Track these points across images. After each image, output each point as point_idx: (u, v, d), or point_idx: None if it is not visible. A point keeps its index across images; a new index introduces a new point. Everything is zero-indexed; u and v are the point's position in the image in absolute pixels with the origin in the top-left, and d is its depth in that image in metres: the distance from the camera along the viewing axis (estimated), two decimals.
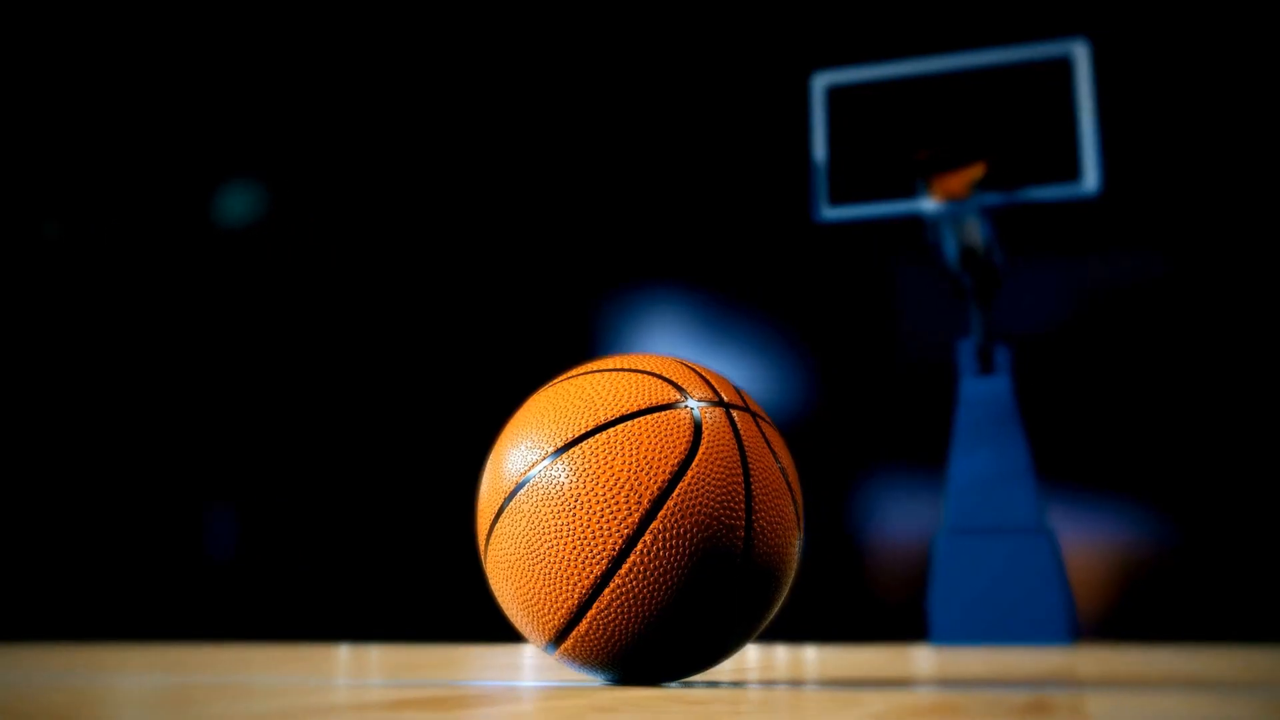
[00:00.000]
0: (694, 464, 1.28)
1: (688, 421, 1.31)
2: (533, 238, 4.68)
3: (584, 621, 1.28)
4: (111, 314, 5.21)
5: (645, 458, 1.27)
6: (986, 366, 3.55)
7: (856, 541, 4.34)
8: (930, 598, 3.65)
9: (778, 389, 4.40)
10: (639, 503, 1.26)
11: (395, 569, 4.65)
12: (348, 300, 4.91)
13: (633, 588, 1.25)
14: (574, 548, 1.26)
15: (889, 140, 3.60)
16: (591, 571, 1.25)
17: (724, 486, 1.28)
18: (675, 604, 1.26)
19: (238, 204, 5.08)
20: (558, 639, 1.31)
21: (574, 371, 1.43)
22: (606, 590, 1.25)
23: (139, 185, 5.28)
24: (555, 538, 1.27)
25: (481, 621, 4.30)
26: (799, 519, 1.37)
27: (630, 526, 1.25)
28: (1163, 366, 3.86)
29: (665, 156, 4.56)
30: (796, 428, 4.22)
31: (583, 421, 1.31)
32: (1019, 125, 3.50)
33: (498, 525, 1.33)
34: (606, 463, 1.27)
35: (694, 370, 1.39)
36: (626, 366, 1.39)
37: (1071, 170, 3.38)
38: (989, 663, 2.19)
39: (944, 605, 3.61)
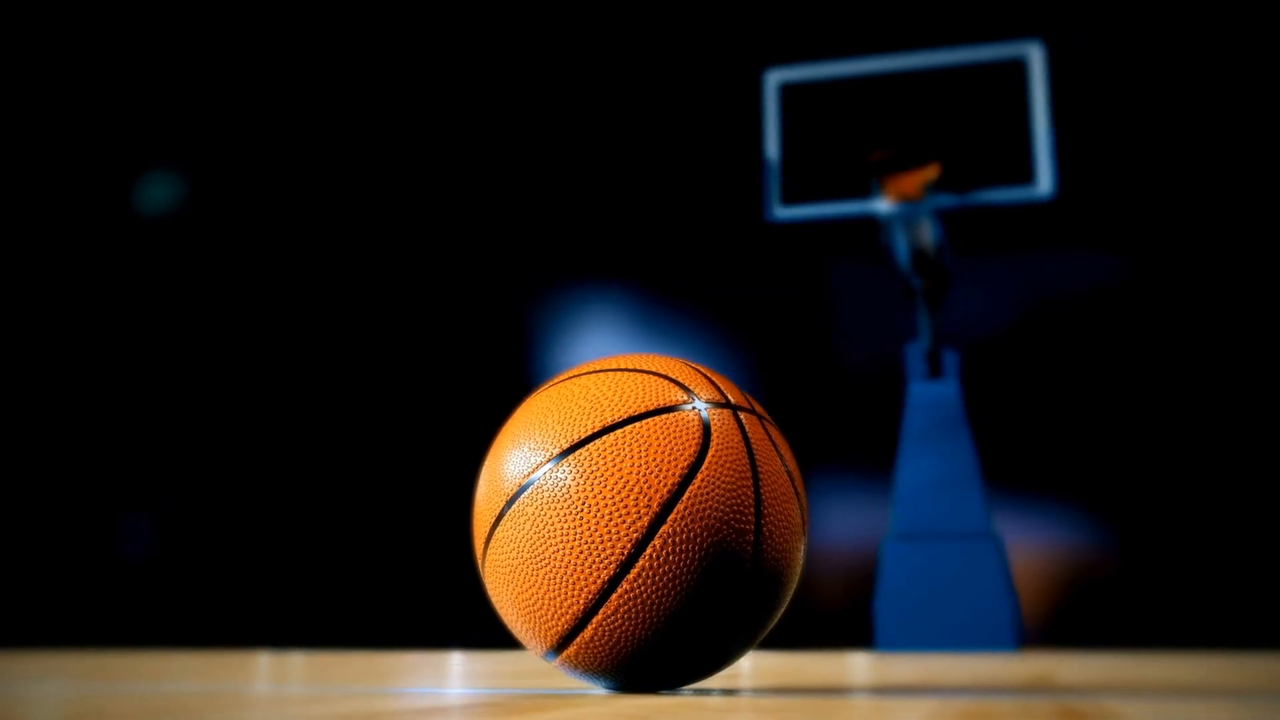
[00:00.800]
0: (704, 467, 1.28)
1: (696, 423, 1.31)
2: (470, 231, 4.66)
3: (589, 628, 1.27)
4: (23, 308, 5.09)
5: (654, 460, 1.27)
6: (935, 370, 3.59)
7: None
8: (876, 603, 3.69)
9: None
10: (648, 506, 1.26)
11: (320, 572, 4.60)
12: (273, 295, 4.84)
13: (641, 593, 1.25)
14: (581, 552, 1.26)
15: (843, 140, 3.64)
16: (599, 576, 1.25)
17: (734, 490, 1.29)
18: (683, 610, 1.26)
19: (158, 194, 4.98)
20: (560, 646, 1.31)
21: (574, 371, 1.42)
22: (614, 595, 1.25)
23: (54, 176, 5.16)
24: (561, 542, 1.27)
25: (396, 626, 4.29)
26: (804, 523, 1.39)
27: (640, 531, 1.25)
28: (1111, 372, 3.95)
29: (613, 152, 4.57)
30: None
31: (588, 423, 1.31)
32: (973, 127, 3.55)
33: (499, 529, 1.33)
34: (615, 465, 1.27)
35: (699, 371, 1.40)
36: (630, 366, 1.39)
37: (1025, 173, 3.44)
38: (965, 669, 2.22)
39: (890, 611, 3.65)
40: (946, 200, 3.47)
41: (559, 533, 1.27)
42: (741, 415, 1.35)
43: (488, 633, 4.27)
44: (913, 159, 3.41)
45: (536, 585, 1.29)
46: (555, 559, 1.27)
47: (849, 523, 4.29)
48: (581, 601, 1.27)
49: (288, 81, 4.95)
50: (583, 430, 1.30)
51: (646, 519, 1.25)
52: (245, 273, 4.86)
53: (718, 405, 1.34)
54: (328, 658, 2.99)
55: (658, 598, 1.25)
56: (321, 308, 4.79)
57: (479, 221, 4.68)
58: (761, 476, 1.32)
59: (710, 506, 1.27)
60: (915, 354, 3.63)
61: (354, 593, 4.50)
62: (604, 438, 1.29)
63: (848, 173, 3.53)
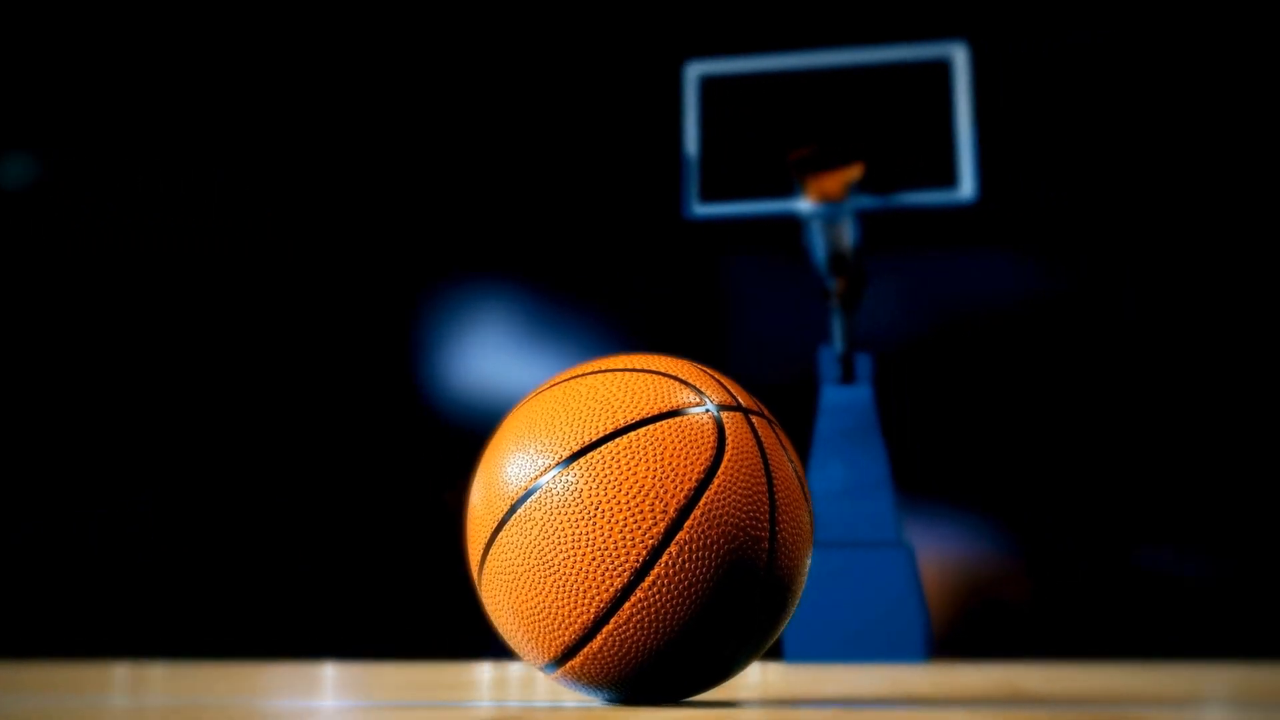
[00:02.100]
0: (719, 472, 1.29)
1: (710, 426, 1.32)
2: (362, 224, 4.59)
3: (599, 637, 1.28)
4: None
5: (670, 464, 1.28)
6: (848, 375, 3.66)
7: None
8: None
9: None
10: (664, 512, 1.26)
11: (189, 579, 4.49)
12: (148, 287, 4.71)
13: (655, 601, 1.26)
14: (593, 559, 1.26)
15: (764, 137, 3.68)
16: (612, 584, 1.26)
17: (749, 495, 1.30)
18: (696, 619, 1.27)
19: (13, 170, 4.81)
20: (564, 656, 1.31)
21: (576, 371, 1.42)
22: (627, 604, 1.26)
23: None
24: (572, 548, 1.26)
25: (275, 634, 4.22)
26: (812, 530, 1.41)
27: (655, 537, 1.26)
28: (1027, 381, 4.06)
29: (519, 143, 4.54)
30: None
31: (599, 425, 1.31)
32: (897, 127, 3.63)
33: (501, 535, 1.32)
34: (629, 469, 1.27)
35: (706, 372, 1.41)
36: (636, 366, 1.39)
37: (948, 176, 3.53)
38: (932, 680, 2.27)
39: (799, 621, 3.71)
40: (868, 201, 3.54)
41: (570, 538, 1.27)
42: (753, 418, 1.37)
43: (388, 642, 4.19)
44: (835, 158, 3.46)
45: (544, 593, 1.28)
46: (565, 566, 1.27)
47: None
48: (592, 610, 1.27)
49: (169, 60, 4.83)
50: (593, 432, 1.30)
51: (662, 525, 1.26)
52: (117, 263, 4.72)
53: (729, 408, 1.36)
54: (192, 669, 2.93)
55: (672, 606, 1.26)
56: (205, 304, 4.67)
57: (376, 215, 4.62)
58: (775, 481, 1.34)
59: (727, 512, 1.28)
60: (828, 358, 3.69)
61: (224, 604, 4.41)
62: (617, 440, 1.30)
63: (769, 171, 3.57)
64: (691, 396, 1.35)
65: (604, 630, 1.27)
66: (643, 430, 1.30)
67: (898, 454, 3.65)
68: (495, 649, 4.24)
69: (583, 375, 1.39)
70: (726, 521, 1.28)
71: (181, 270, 4.67)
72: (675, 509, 1.27)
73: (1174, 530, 4.01)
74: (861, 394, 3.64)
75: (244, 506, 4.42)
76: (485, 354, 4.64)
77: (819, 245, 3.57)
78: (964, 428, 4.07)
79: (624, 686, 1.32)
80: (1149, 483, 3.97)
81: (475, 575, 1.39)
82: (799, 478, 1.39)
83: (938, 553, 4.06)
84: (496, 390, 4.55)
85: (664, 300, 4.40)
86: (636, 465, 1.28)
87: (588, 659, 1.30)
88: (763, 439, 1.35)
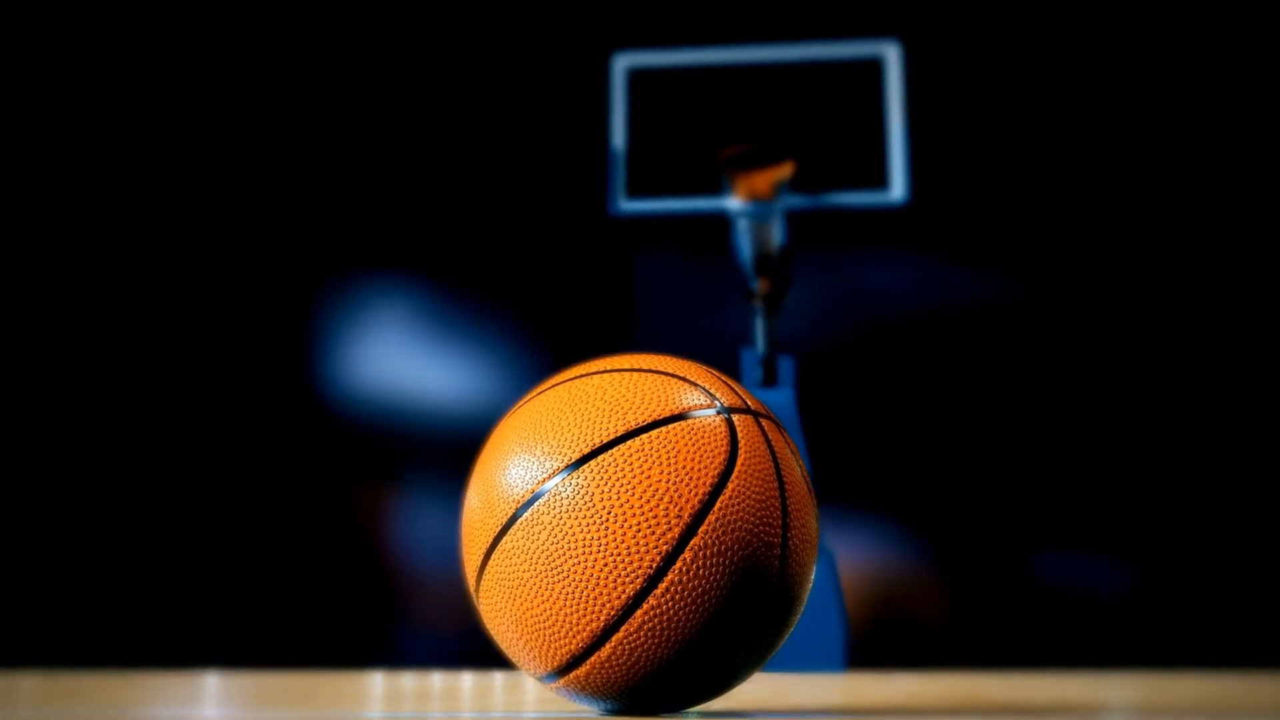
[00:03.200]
0: (734, 475, 1.31)
1: (723, 429, 1.33)
2: (260, 214, 4.51)
3: (607, 646, 1.28)
4: None
5: (684, 467, 1.29)
6: (769, 378, 3.69)
7: None
8: None
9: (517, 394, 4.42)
10: (679, 517, 1.27)
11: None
12: (28, 283, 4.57)
13: (667, 609, 1.27)
14: (605, 565, 1.26)
15: (694, 132, 3.70)
16: (624, 591, 1.26)
17: (763, 500, 1.32)
18: (708, 627, 1.28)
19: None
20: (569, 666, 1.31)
21: (578, 371, 1.42)
22: (639, 612, 1.26)
23: None
24: (584, 554, 1.27)
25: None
26: (819, 535, 1.43)
27: (669, 543, 1.27)
28: (949, 387, 4.13)
29: (435, 133, 4.49)
30: None
31: (610, 426, 1.31)
32: (827, 126, 3.67)
33: (505, 540, 1.32)
34: (643, 472, 1.28)
35: (713, 373, 1.42)
36: (642, 367, 1.40)
37: (879, 177, 3.58)
38: (851, 689, 2.30)
39: None
40: (797, 201, 3.57)
41: (580, 544, 1.27)
42: (762, 421, 1.38)
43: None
44: (766, 156, 3.50)
45: (551, 600, 1.28)
46: (575, 572, 1.27)
47: None
48: (602, 618, 1.27)
49: (52, 46, 4.69)
50: (604, 434, 1.31)
51: (677, 530, 1.27)
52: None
53: (738, 410, 1.37)
54: (66, 679, 2.86)
55: (685, 614, 1.27)
56: (81, 295, 4.55)
57: (276, 204, 4.53)
58: (787, 486, 1.35)
59: (741, 518, 1.29)
60: (750, 360, 3.72)
61: (105, 611, 4.30)
62: (629, 443, 1.30)
63: (697, 167, 3.59)
64: (702, 398, 1.36)
65: (613, 639, 1.28)
66: (655, 433, 1.31)
67: (818, 458, 3.69)
68: (390, 657, 4.19)
69: (588, 375, 1.39)
70: (740, 527, 1.29)
71: (62, 263, 4.55)
72: (690, 514, 1.28)
73: (1091, 540, 4.12)
74: (783, 397, 3.67)
75: (130, 508, 4.32)
76: (387, 352, 4.59)
77: (745, 244, 3.60)
78: (886, 433, 4.14)
79: (628, 696, 1.33)
80: (1068, 493, 4.07)
81: (473, 582, 1.38)
82: (808, 482, 1.40)
83: (857, 560, 4.11)
84: (398, 390, 4.51)
85: (577, 298, 4.40)
86: (650, 468, 1.28)
87: (594, 668, 1.30)
88: (773, 442, 1.37)
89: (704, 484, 1.29)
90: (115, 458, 4.38)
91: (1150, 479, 4.06)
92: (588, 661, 1.30)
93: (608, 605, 1.27)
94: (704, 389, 1.37)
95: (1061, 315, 4.17)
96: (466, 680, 2.94)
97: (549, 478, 1.30)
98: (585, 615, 1.28)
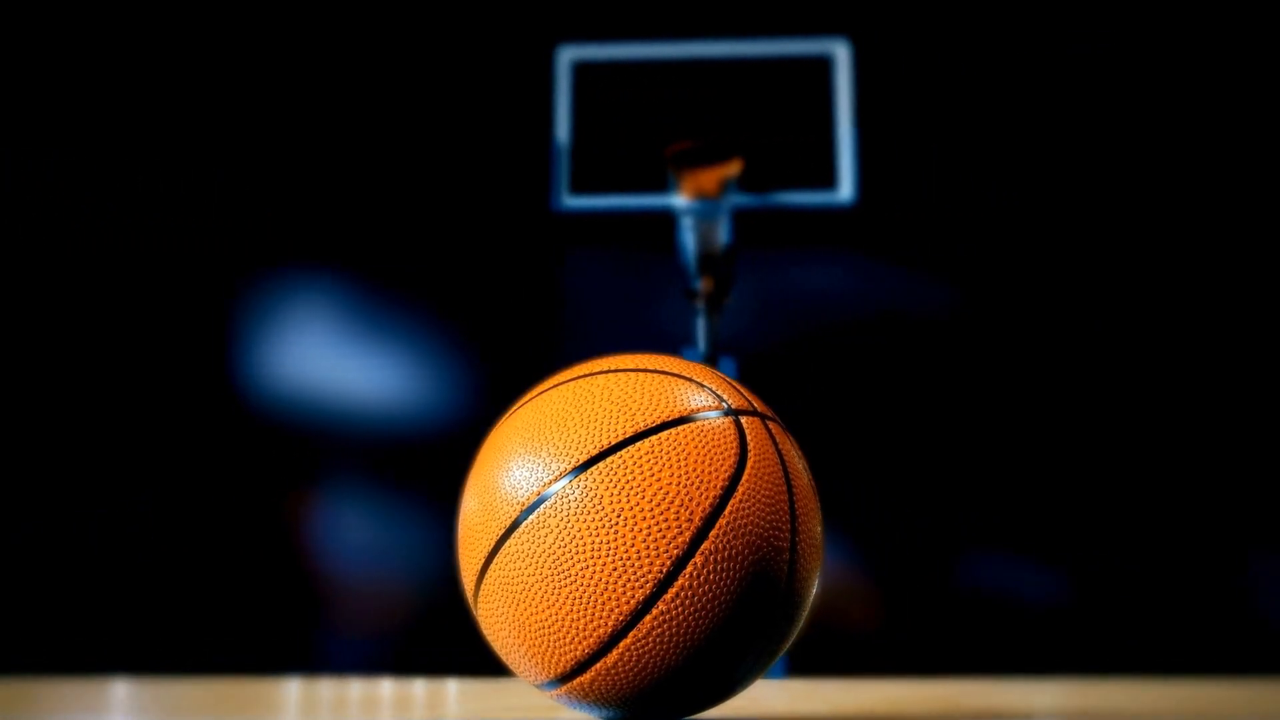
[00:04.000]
0: (744, 479, 1.31)
1: (731, 431, 1.34)
2: (177, 208, 4.43)
3: (614, 652, 1.28)
4: None
5: (695, 470, 1.29)
6: None
7: None
8: None
9: (449, 396, 4.39)
10: (690, 520, 1.28)
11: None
12: None
13: (677, 615, 1.27)
14: (615, 569, 1.26)
15: (640, 128, 3.69)
16: (633, 596, 1.26)
17: (772, 504, 1.32)
18: (717, 633, 1.29)
19: None
20: (573, 672, 1.31)
21: (581, 371, 1.42)
22: (648, 617, 1.27)
23: None
24: (593, 558, 1.27)
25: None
26: (824, 541, 1.44)
27: (680, 547, 1.27)
28: (891, 391, 4.17)
29: (368, 124, 4.43)
30: (465, 440, 4.23)
31: (618, 428, 1.31)
32: (776, 125, 3.69)
33: (509, 543, 1.31)
34: (653, 474, 1.28)
35: (718, 374, 1.43)
36: (647, 367, 1.40)
37: (828, 177, 3.60)
38: (791, 695, 2.32)
39: None
40: (744, 199, 3.58)
41: (589, 547, 1.27)
42: (769, 424, 1.39)
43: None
44: (713, 154, 3.50)
45: (558, 605, 1.28)
46: (583, 576, 1.27)
47: None
48: (610, 624, 1.27)
49: None
50: (612, 436, 1.31)
51: (688, 534, 1.27)
52: None
53: (746, 412, 1.38)
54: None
55: (695, 620, 1.27)
56: None
57: (198, 198, 4.45)
58: (794, 489, 1.36)
59: (752, 522, 1.30)
60: (691, 360, 3.72)
61: (12, 616, 4.21)
62: (638, 444, 1.30)
63: (643, 164, 3.59)
64: (709, 399, 1.36)
65: (621, 645, 1.28)
66: (664, 434, 1.31)
67: None
68: (308, 664, 4.14)
69: (591, 375, 1.39)
70: (750, 531, 1.30)
71: None
72: (700, 517, 1.28)
73: (1026, 546, 4.18)
74: None
75: (37, 508, 4.23)
76: (309, 349, 4.53)
77: (689, 243, 3.60)
78: (827, 436, 4.16)
79: (631, 704, 1.33)
80: (1004, 499, 4.13)
81: (471, 587, 1.37)
82: (813, 486, 1.41)
83: None
84: (320, 388, 4.46)
85: (509, 296, 4.38)
86: (660, 471, 1.28)
87: (599, 675, 1.30)
88: (780, 445, 1.38)
89: (715, 487, 1.29)
90: (24, 458, 4.29)
91: (1086, 485, 4.13)
92: (593, 668, 1.30)
93: (616, 610, 1.27)
94: (711, 390, 1.37)
95: (1003, 321, 4.23)
96: (386, 688, 2.93)
97: (555, 480, 1.30)
98: (592, 620, 1.27)
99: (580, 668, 1.30)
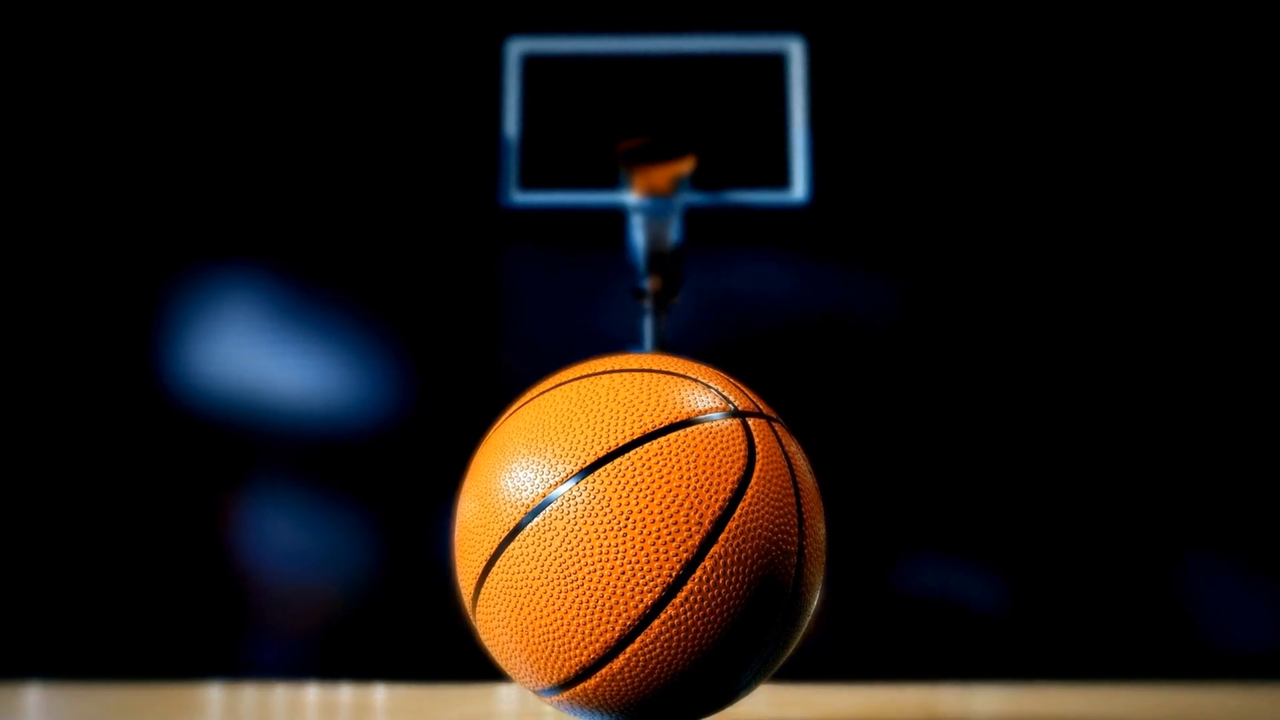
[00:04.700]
0: (753, 482, 1.31)
1: (740, 433, 1.34)
2: (100, 201, 4.35)
3: (620, 657, 1.28)
4: None
5: (704, 472, 1.29)
6: None
7: (450, 569, 4.35)
8: None
9: (381, 395, 4.36)
10: (700, 523, 1.28)
11: None
12: None
13: (686, 619, 1.27)
14: (623, 573, 1.26)
15: (592, 123, 3.68)
16: (641, 600, 1.26)
17: (780, 507, 1.33)
18: (725, 638, 1.29)
19: None
20: (576, 678, 1.30)
21: (584, 370, 1.41)
22: (656, 622, 1.26)
23: None
24: (601, 561, 1.26)
25: None
26: (827, 545, 1.44)
27: (690, 550, 1.27)
28: (837, 393, 4.19)
29: (307, 114, 4.37)
30: (396, 440, 4.21)
31: (626, 428, 1.31)
32: (730, 122, 3.69)
33: (513, 546, 1.30)
34: (662, 476, 1.28)
35: (723, 375, 1.43)
36: (650, 367, 1.40)
37: (781, 176, 3.61)
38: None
39: None
40: (696, 198, 3.59)
41: (597, 550, 1.27)
42: (775, 425, 1.40)
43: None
44: (665, 151, 3.50)
45: (564, 609, 1.27)
46: (591, 580, 1.26)
47: None
48: (617, 628, 1.27)
49: None
50: (620, 436, 1.30)
51: (698, 537, 1.27)
52: None
53: (752, 414, 1.38)
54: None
55: (702, 625, 1.28)
56: None
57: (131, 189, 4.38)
58: (801, 492, 1.37)
59: (761, 525, 1.30)
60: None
61: None
62: (647, 446, 1.30)
63: (594, 160, 3.58)
64: (716, 401, 1.36)
65: (628, 650, 1.27)
66: (673, 436, 1.31)
67: None
68: (232, 668, 4.09)
69: (594, 375, 1.38)
70: (759, 535, 1.30)
71: None
72: (711, 520, 1.28)
73: (965, 551, 4.22)
74: None
75: None
76: (236, 347, 4.47)
77: (639, 241, 3.60)
78: None
79: (633, 711, 1.33)
80: (944, 504, 4.17)
81: (470, 591, 1.36)
82: (818, 489, 1.42)
83: None
84: (247, 387, 4.40)
85: (445, 294, 4.35)
86: (669, 473, 1.28)
87: (603, 680, 1.30)
88: (786, 447, 1.38)
89: (724, 490, 1.29)
90: None
91: (1028, 490, 4.18)
92: (597, 674, 1.29)
93: (624, 615, 1.26)
94: (717, 391, 1.38)
95: (950, 326, 4.27)
96: (311, 694, 2.92)
97: (561, 481, 1.29)
98: (599, 625, 1.27)
99: (584, 673, 1.30)
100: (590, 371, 1.39)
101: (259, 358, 4.47)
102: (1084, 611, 4.14)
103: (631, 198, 3.54)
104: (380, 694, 2.90)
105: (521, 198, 3.61)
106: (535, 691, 1.35)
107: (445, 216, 4.29)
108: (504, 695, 2.75)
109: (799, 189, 3.59)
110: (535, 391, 1.41)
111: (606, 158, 3.52)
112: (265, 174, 4.39)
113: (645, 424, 1.31)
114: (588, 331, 4.25)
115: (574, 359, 3.69)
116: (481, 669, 4.05)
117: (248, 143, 4.38)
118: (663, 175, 3.52)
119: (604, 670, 1.28)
